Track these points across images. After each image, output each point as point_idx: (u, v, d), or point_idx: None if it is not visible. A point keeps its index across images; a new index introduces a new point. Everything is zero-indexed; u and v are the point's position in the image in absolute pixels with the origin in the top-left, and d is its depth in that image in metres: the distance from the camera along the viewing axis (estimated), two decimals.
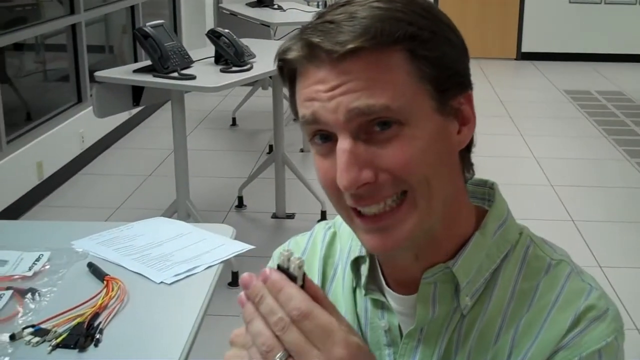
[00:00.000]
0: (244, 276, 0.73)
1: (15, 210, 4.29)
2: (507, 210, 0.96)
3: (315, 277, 1.02)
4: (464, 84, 0.88)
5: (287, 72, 0.88)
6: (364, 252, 0.97)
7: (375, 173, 0.82)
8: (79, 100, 5.37)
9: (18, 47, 5.14)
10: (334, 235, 1.06)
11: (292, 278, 0.71)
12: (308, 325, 0.69)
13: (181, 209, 3.63)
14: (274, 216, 4.35)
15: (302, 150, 5.40)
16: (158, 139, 5.71)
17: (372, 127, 0.82)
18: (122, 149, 5.75)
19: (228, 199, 4.58)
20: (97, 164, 5.38)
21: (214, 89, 3.44)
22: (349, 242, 1.01)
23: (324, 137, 0.84)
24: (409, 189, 0.83)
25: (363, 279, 0.97)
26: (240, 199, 4.51)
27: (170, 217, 3.58)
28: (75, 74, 5.37)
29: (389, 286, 0.96)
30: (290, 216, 4.33)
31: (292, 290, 0.70)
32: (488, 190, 0.98)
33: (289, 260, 0.71)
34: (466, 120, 0.89)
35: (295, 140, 5.42)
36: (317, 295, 0.72)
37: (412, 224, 0.84)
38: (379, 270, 0.97)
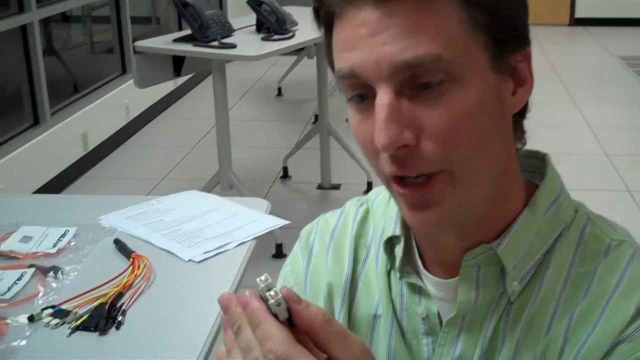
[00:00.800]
0: (223, 296, 0.65)
1: (60, 182, 4.29)
2: (560, 185, 0.85)
3: (345, 259, 0.93)
4: (522, 40, 0.77)
5: (324, 16, 0.78)
6: (398, 232, 0.88)
7: (417, 136, 0.72)
8: (124, 71, 5.34)
9: (65, 19, 5.14)
10: (367, 212, 0.96)
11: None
12: None
13: (224, 180, 3.58)
14: (320, 187, 4.28)
15: (347, 120, 5.25)
16: (203, 109, 5.65)
17: (418, 84, 0.72)
18: (167, 120, 5.74)
19: (273, 170, 4.52)
20: (142, 135, 5.37)
21: (255, 58, 3.36)
22: (383, 221, 0.91)
23: (362, 94, 0.75)
24: (454, 159, 0.73)
25: (397, 261, 0.87)
26: (285, 169, 4.46)
27: (212, 188, 3.53)
28: (119, 45, 5.34)
29: (426, 269, 0.86)
30: (336, 187, 4.25)
31: (270, 327, 0.62)
32: (539, 163, 0.87)
33: (267, 291, 0.62)
34: (522, 80, 0.79)
35: (340, 110, 5.32)
36: (311, 327, 0.63)
37: (458, 198, 0.75)
38: (416, 251, 0.88)
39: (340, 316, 0.90)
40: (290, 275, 0.97)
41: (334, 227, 0.96)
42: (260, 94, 6.28)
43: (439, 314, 0.85)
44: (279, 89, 6.22)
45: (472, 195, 0.76)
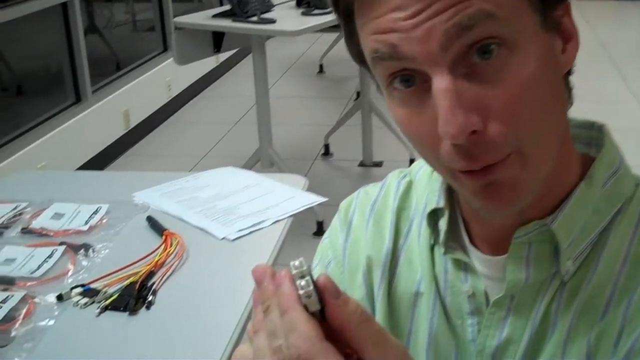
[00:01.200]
0: (257, 269, 0.59)
1: (102, 160, 4.29)
2: (619, 158, 0.78)
3: (386, 232, 0.87)
4: None
5: (343, 3, 0.69)
6: (442, 204, 0.81)
7: (484, 120, 0.64)
8: (165, 49, 5.32)
9: None
10: (410, 184, 0.89)
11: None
12: None
13: (264, 158, 3.54)
14: (361, 164, 4.22)
15: None
16: (245, 87, 5.61)
17: (472, 56, 0.64)
18: (208, 97, 5.72)
19: (314, 147, 4.48)
20: (183, 112, 5.36)
21: (294, 33, 3.30)
22: (426, 193, 0.85)
23: (407, 79, 0.66)
24: (523, 136, 0.66)
25: (442, 235, 0.81)
26: (326, 147, 4.41)
27: (253, 166, 3.49)
28: (160, 22, 5.33)
29: (473, 244, 0.80)
30: (378, 164, 4.18)
31: (296, 318, 0.55)
32: (596, 134, 0.80)
33: (300, 278, 0.55)
34: (569, 35, 0.71)
35: None
36: (346, 326, 0.56)
37: (531, 176, 0.68)
38: (461, 226, 0.81)
39: (379, 292, 0.85)
40: (328, 249, 0.91)
41: (374, 199, 0.90)
42: (301, 71, 6.23)
43: (486, 292, 0.79)
44: (321, 66, 6.15)
45: (543, 170, 0.69)
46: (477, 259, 0.79)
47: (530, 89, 0.65)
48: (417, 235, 0.85)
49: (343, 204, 0.92)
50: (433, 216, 0.82)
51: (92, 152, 4.22)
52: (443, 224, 0.81)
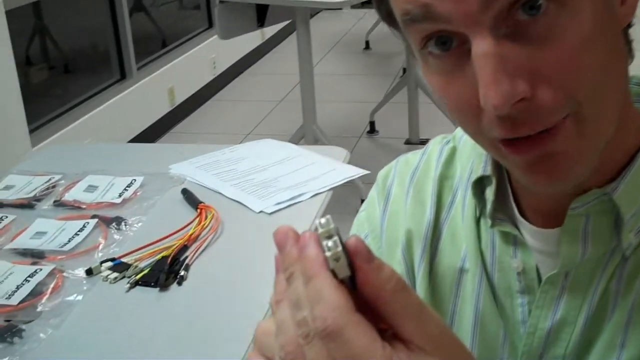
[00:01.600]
0: (279, 230, 0.50)
1: (147, 137, 4.28)
2: None
3: (427, 203, 0.79)
4: None
5: None
6: (488, 171, 0.73)
7: (532, 85, 0.56)
8: (210, 25, 5.29)
9: None
10: (453, 151, 0.81)
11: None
12: (334, 349, 0.45)
13: (308, 134, 3.49)
14: (407, 142, 4.14)
15: None
16: (290, 64, 5.54)
17: (516, 14, 0.55)
18: (253, 75, 5.68)
19: (360, 124, 4.41)
20: (228, 90, 5.33)
21: (337, 4, 3.22)
22: (471, 160, 0.77)
23: (443, 42, 0.58)
24: (581, 98, 0.57)
25: (489, 206, 0.72)
26: (372, 124, 4.34)
27: (297, 143, 3.43)
28: None
29: (524, 216, 0.71)
30: (424, 142, 4.05)
31: (322, 286, 0.46)
32: None
33: (327, 238, 0.46)
34: None
35: None
36: (379, 296, 0.47)
37: (589, 143, 0.60)
38: (511, 195, 0.72)
39: (420, 269, 0.77)
40: (364, 222, 0.84)
41: (415, 167, 0.82)
42: (348, 48, 6.14)
43: (537, 269, 0.71)
44: (367, 42, 6.05)
45: (603, 137, 0.61)
46: (527, 231, 0.71)
47: (585, 48, 0.56)
48: (462, 207, 0.77)
49: (381, 173, 0.85)
50: (479, 185, 0.74)
51: (138, 130, 4.21)
52: (490, 193, 0.72)
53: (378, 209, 0.83)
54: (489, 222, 0.73)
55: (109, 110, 3.95)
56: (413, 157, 0.84)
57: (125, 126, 4.08)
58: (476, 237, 0.75)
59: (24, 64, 3.78)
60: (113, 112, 3.98)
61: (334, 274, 0.46)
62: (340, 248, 0.45)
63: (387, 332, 0.47)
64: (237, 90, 5.35)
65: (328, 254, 0.45)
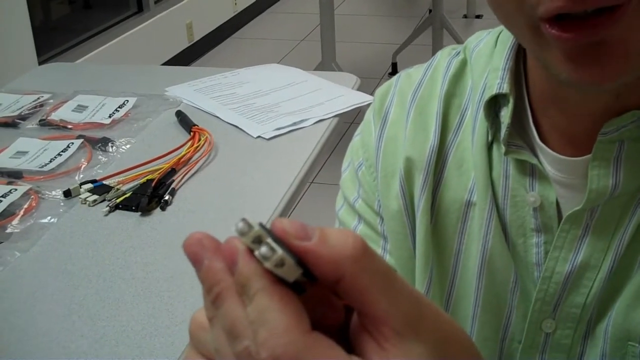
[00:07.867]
0: (191, 238, 0.36)
1: None
2: None
3: (431, 125, 0.66)
4: None
5: None
6: (505, 88, 0.60)
7: None
8: None
9: None
10: (463, 64, 0.68)
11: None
12: None
13: (326, 70, 3.35)
14: None
15: (465, 17, 5.02)
16: (312, 3, 5.41)
17: None
18: (275, 13, 5.55)
19: (382, 66, 4.28)
20: (249, 28, 5.21)
21: None
22: (485, 75, 0.64)
23: None
24: None
25: (503, 130, 0.60)
26: (394, 65, 4.20)
27: None
28: None
29: (544, 142, 0.59)
30: None
31: (267, 305, 0.33)
32: None
33: (258, 247, 0.33)
34: None
35: (458, 6, 4.98)
36: (339, 268, 0.33)
37: None
38: (530, 118, 0.60)
39: (420, 202, 0.65)
40: (359, 149, 0.71)
41: (417, 84, 0.69)
42: None
43: (557, 204, 0.59)
44: None
45: None
46: (548, 160, 0.59)
47: None
48: (471, 130, 0.64)
49: (379, 91, 0.72)
50: (492, 105, 0.61)
51: (155, 64, 4.09)
52: (506, 115, 0.60)
53: (374, 133, 0.70)
54: (503, 148, 0.60)
55: (124, 43, 3.85)
56: (416, 71, 0.71)
57: (142, 60, 3.98)
58: (487, 165, 0.62)
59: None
60: (128, 46, 3.87)
61: (281, 281, 0.33)
62: (279, 250, 0.32)
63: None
64: (258, 29, 5.22)
65: (267, 264, 0.32)
